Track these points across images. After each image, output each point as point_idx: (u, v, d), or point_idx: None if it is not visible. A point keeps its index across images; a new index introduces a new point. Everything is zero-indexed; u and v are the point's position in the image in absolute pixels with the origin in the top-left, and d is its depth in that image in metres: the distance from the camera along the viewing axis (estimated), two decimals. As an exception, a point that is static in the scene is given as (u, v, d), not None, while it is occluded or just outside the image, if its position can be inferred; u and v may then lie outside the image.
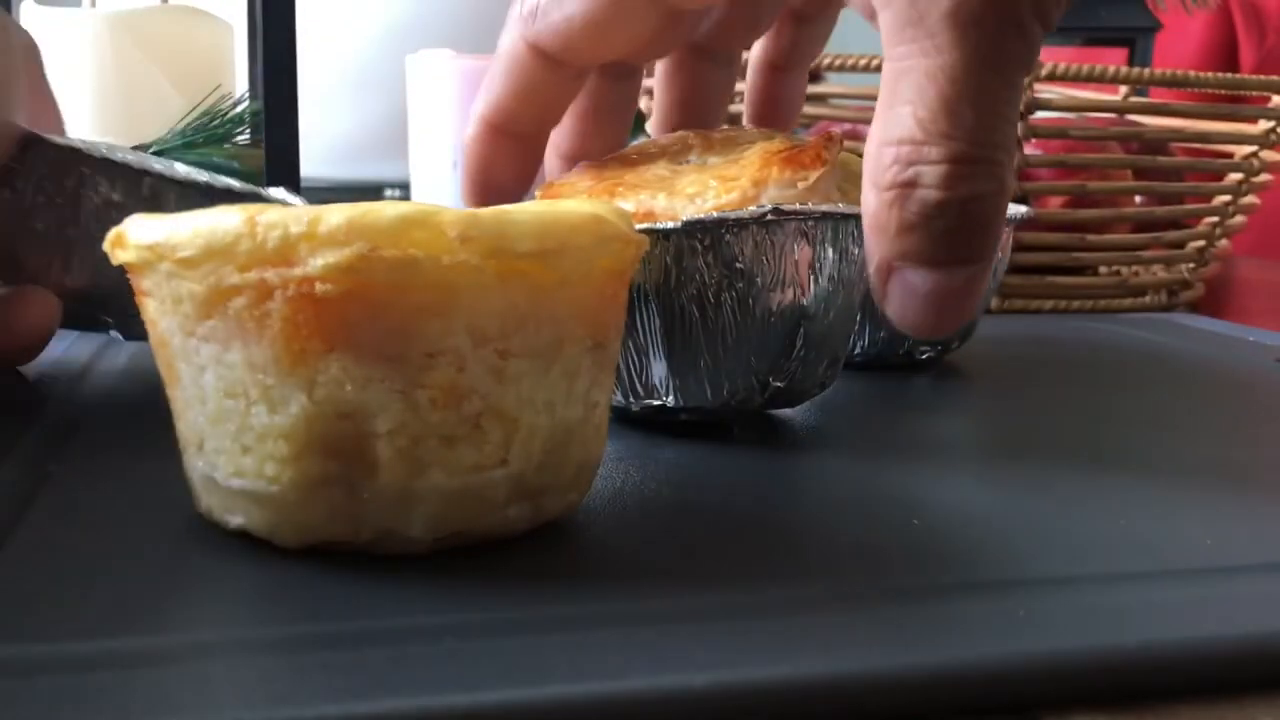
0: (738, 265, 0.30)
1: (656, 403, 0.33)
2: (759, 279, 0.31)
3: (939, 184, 0.26)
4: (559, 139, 0.37)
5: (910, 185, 0.26)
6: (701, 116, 0.38)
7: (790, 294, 0.31)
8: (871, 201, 0.27)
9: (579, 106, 0.37)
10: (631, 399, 0.33)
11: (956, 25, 0.25)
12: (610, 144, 0.37)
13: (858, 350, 0.45)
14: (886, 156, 0.26)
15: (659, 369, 0.32)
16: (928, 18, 0.25)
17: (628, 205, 0.31)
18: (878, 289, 0.27)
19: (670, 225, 0.30)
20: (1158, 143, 0.66)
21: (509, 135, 0.34)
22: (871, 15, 0.27)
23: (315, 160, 0.82)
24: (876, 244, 0.27)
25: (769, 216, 0.30)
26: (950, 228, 0.26)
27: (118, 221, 0.24)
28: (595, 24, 0.32)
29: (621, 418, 0.34)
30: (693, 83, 0.38)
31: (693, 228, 0.30)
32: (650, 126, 0.40)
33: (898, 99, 0.26)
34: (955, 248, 0.26)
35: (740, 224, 0.30)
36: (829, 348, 0.33)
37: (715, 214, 0.30)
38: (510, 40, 0.33)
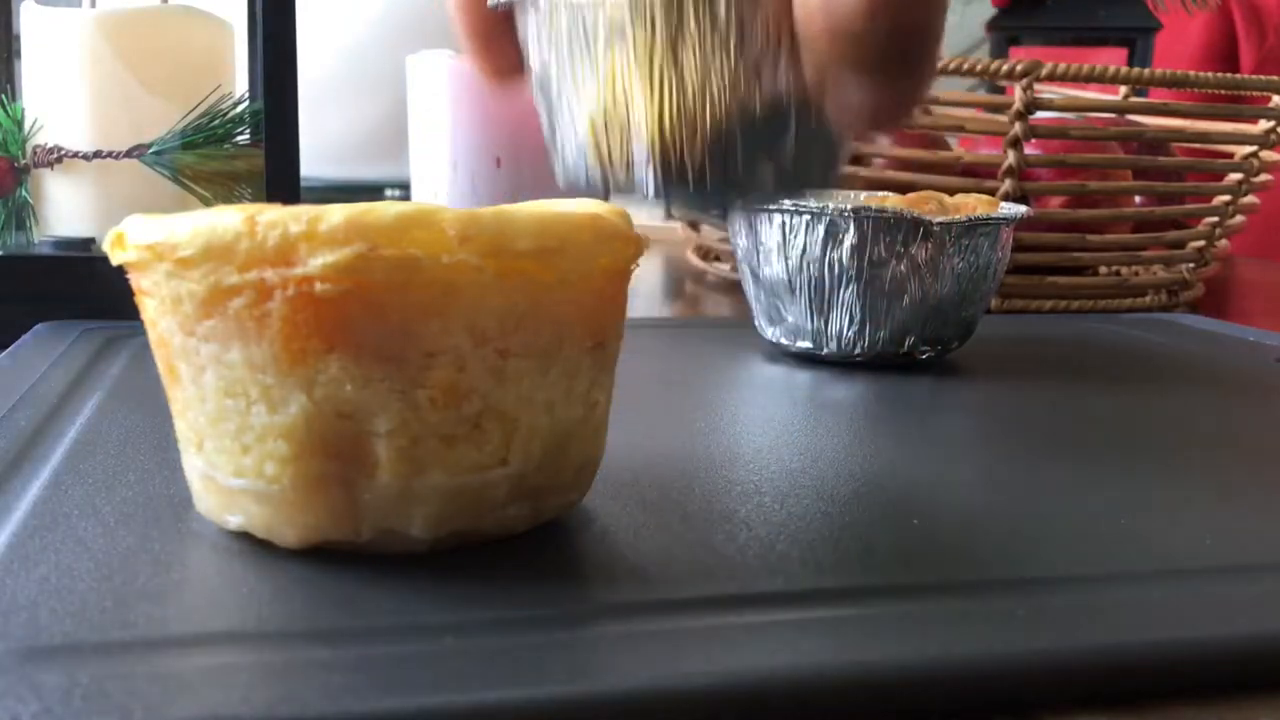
0: None
1: None
2: None
3: None
4: None
5: None
6: None
7: None
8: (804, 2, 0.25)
9: None
10: None
11: None
12: None
13: (858, 350, 0.45)
14: None
15: None
16: None
17: None
18: (813, 88, 0.26)
19: None
20: (1158, 143, 0.66)
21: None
22: None
23: (315, 160, 0.83)
24: (809, 48, 0.26)
25: None
26: (877, 42, 0.25)
27: None
28: None
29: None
30: None
31: None
32: None
33: None
34: (885, 62, 0.25)
35: None
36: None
37: None
38: None
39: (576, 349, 0.24)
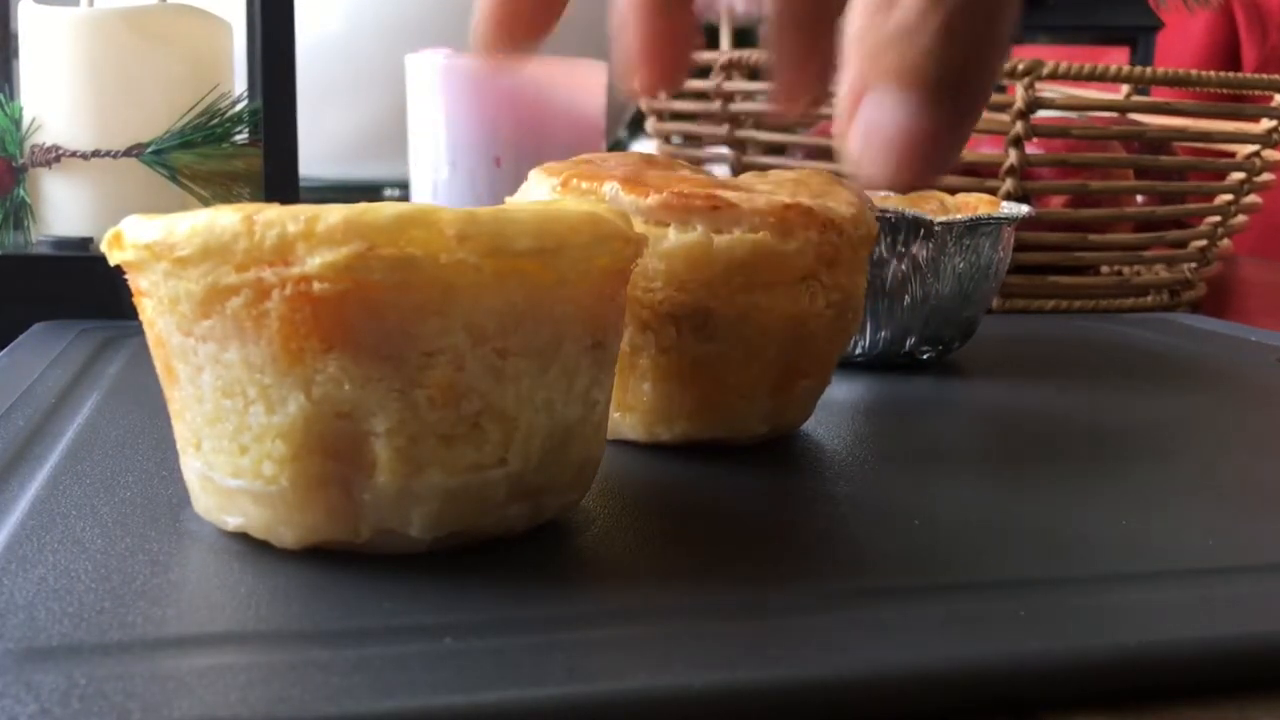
0: None
1: None
2: None
3: None
4: None
5: None
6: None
7: None
8: (856, 9, 0.24)
9: None
10: None
11: None
12: None
13: (858, 350, 0.44)
14: None
15: None
16: None
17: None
18: (843, 120, 0.24)
19: None
20: (1159, 142, 0.66)
21: None
22: None
23: (315, 160, 0.82)
24: (853, 61, 0.24)
25: None
26: (932, 48, 0.23)
27: None
28: None
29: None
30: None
31: None
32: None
33: None
34: (939, 76, 0.23)
35: None
36: None
37: None
38: None
39: (576, 348, 0.24)
